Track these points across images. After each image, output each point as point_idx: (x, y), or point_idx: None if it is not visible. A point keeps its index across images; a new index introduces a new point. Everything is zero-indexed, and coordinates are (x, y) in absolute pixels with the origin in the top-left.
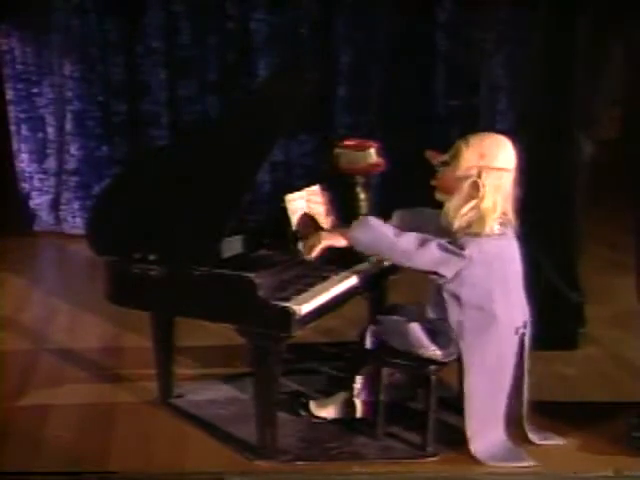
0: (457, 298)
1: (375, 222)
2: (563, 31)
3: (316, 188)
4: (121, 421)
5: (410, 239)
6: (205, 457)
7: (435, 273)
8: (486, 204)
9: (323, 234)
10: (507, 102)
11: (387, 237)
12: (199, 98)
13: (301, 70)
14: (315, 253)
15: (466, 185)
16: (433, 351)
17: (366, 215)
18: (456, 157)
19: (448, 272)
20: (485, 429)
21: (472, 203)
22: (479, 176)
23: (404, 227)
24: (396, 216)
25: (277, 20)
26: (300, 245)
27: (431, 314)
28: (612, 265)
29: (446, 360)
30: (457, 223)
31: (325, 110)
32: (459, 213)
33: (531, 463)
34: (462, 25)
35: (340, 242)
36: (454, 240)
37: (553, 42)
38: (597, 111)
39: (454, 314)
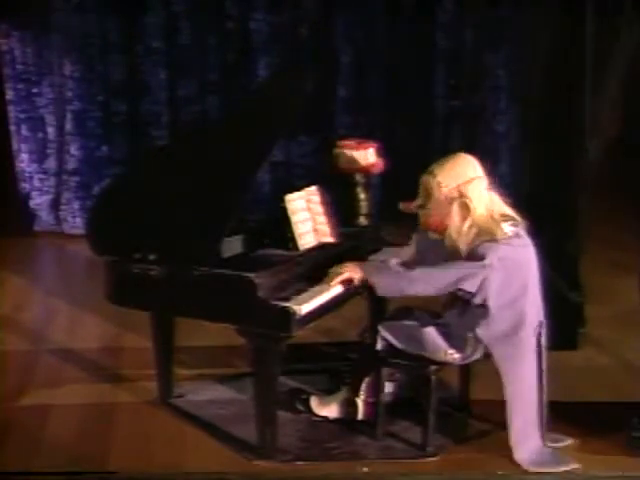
0: (485, 310)
1: (388, 264)
2: (568, 31)
3: (316, 188)
4: (121, 421)
5: (426, 268)
6: (205, 457)
7: (460, 290)
8: (479, 213)
9: (345, 266)
10: (507, 102)
11: (404, 274)
12: (199, 98)
13: (301, 70)
14: (335, 282)
15: (455, 209)
16: (451, 355)
17: (368, 214)
18: (429, 193)
19: (473, 286)
20: (526, 436)
21: (468, 222)
22: (461, 195)
23: (421, 247)
24: (415, 238)
25: (277, 20)
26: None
27: (450, 319)
28: (612, 265)
29: (464, 363)
30: (463, 243)
31: (325, 110)
32: (461, 234)
33: (574, 465)
34: (462, 25)
35: (359, 277)
36: (472, 250)
37: (558, 42)
38: (605, 111)
39: (483, 327)
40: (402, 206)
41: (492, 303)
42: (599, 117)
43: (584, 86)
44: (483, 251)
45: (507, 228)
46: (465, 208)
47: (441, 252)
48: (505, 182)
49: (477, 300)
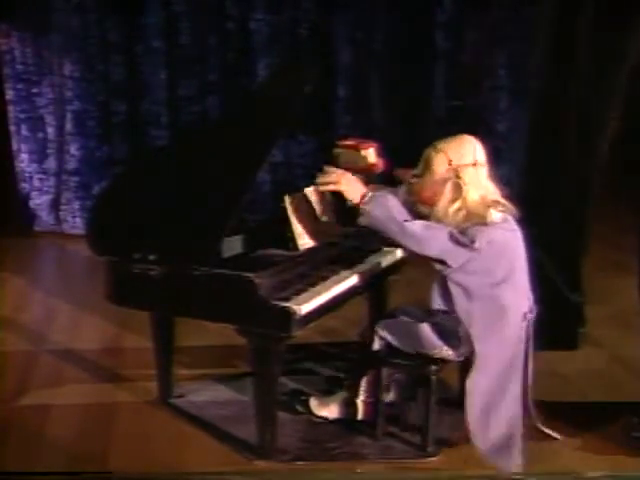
0: (464, 288)
1: (390, 201)
2: (574, 29)
3: (316, 188)
4: (121, 421)
5: (421, 225)
6: (205, 457)
7: (441, 262)
8: (471, 198)
9: (344, 179)
10: (507, 102)
11: (397, 219)
12: (199, 98)
13: (301, 68)
14: (324, 188)
15: (448, 188)
16: (446, 351)
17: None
18: (428, 166)
19: (455, 262)
20: (485, 416)
21: (457, 204)
22: (457, 176)
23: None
24: (401, 190)
25: (277, 20)
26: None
27: (436, 305)
28: (612, 265)
29: (459, 359)
30: (449, 224)
31: (325, 110)
32: (447, 215)
33: (516, 468)
34: (462, 25)
35: (351, 197)
36: (463, 230)
37: (565, 41)
38: (610, 111)
39: (462, 304)
40: (397, 172)
41: (473, 283)
42: (601, 116)
43: (586, 86)
44: (473, 233)
45: (495, 214)
46: (457, 190)
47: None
48: (505, 182)
49: (457, 277)
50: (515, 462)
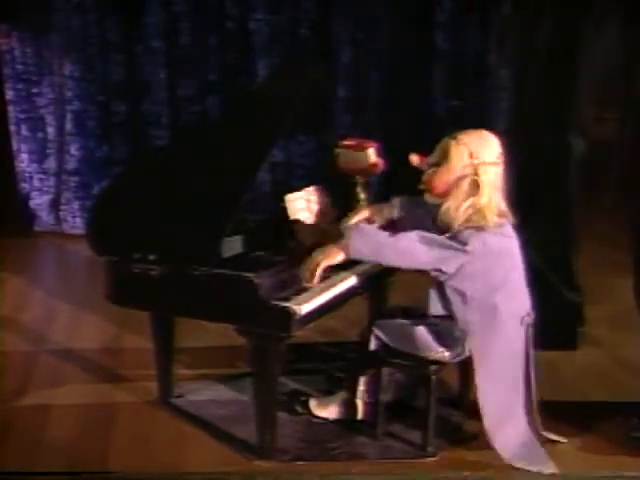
0: (461, 294)
1: (369, 228)
2: (554, 30)
3: (316, 188)
4: (121, 421)
5: (410, 238)
6: (205, 457)
7: (437, 270)
8: (483, 200)
9: (318, 256)
10: (507, 102)
11: (386, 241)
12: (199, 98)
13: (302, 68)
14: (316, 279)
15: (465, 184)
16: (441, 353)
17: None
18: (447, 157)
19: (450, 268)
20: (503, 424)
21: (470, 201)
22: (475, 174)
23: (404, 215)
24: (396, 202)
25: (277, 20)
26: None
27: (433, 311)
28: (611, 265)
29: (454, 361)
30: (458, 222)
31: (325, 110)
32: (459, 212)
33: (552, 470)
34: (462, 25)
35: (339, 258)
36: (456, 234)
37: (543, 41)
38: (587, 109)
39: (459, 310)
40: (412, 158)
41: (469, 289)
42: (586, 116)
43: (576, 84)
44: (467, 236)
45: (495, 219)
46: (475, 188)
47: (424, 223)
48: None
49: (453, 283)
50: (546, 463)
